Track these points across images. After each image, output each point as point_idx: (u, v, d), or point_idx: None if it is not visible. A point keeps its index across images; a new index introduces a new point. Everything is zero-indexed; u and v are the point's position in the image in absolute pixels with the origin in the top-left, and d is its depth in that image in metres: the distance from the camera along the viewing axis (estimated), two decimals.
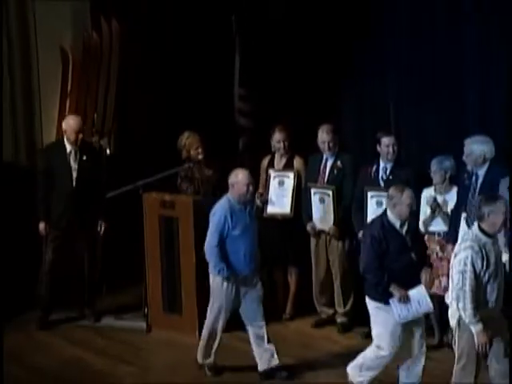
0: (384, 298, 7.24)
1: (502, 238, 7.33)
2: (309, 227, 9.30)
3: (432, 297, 8.45)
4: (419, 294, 7.31)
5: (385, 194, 8.53)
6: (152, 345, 9.06)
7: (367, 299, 7.43)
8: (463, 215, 8.38)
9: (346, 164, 9.17)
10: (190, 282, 9.12)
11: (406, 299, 7.22)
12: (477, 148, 8.35)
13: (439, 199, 8.64)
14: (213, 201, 9.20)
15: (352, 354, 8.39)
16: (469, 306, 6.67)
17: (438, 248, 8.64)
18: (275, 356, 8.13)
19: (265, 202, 9.48)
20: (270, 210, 9.52)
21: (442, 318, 8.66)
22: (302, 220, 9.37)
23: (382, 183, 8.92)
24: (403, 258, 7.23)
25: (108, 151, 10.43)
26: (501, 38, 9.00)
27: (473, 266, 6.65)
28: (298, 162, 9.50)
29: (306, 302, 9.55)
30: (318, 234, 9.31)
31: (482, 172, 8.39)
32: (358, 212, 8.95)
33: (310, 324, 9.45)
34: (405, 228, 7.28)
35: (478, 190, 8.36)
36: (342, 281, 9.25)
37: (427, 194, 8.71)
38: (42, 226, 9.24)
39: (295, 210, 9.42)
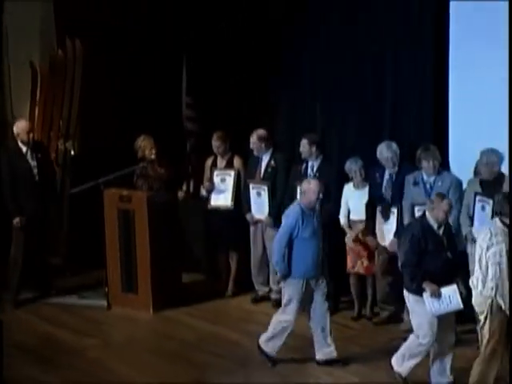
0: (420, 292, 7.03)
1: None
2: (248, 217, 9.41)
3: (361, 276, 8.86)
4: (451, 292, 7.03)
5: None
6: (112, 320, 9.05)
7: (406, 293, 7.20)
8: (378, 208, 8.54)
9: (278, 162, 9.26)
10: (144, 266, 9.16)
11: (437, 295, 6.98)
12: (384, 152, 8.46)
13: (359, 193, 8.77)
14: (164, 196, 9.44)
15: None
16: (507, 293, 6.62)
17: (360, 234, 8.76)
18: (333, 349, 7.83)
19: (209, 191, 9.53)
20: (214, 202, 9.56)
21: (362, 292, 8.94)
22: (242, 211, 9.47)
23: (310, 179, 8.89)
24: (440, 257, 7.02)
25: (72, 152, 10.42)
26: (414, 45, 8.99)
27: (507, 257, 6.62)
28: (237, 162, 9.56)
29: (245, 281, 9.65)
30: (256, 223, 9.41)
31: (393, 171, 8.52)
32: (290, 203, 8.70)
33: (248, 300, 9.54)
34: (442, 230, 7.07)
35: (393, 185, 8.49)
36: None
37: (347, 188, 8.84)
38: (17, 220, 9.21)
39: (235, 202, 9.49)
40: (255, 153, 9.34)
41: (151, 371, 7.77)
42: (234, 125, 9.86)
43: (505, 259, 6.61)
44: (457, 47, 8.71)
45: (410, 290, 7.13)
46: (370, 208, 8.63)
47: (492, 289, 6.66)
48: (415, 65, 8.96)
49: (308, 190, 7.59)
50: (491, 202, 7.78)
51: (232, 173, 9.53)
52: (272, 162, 9.30)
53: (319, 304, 7.76)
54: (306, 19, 9.60)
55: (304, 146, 9.00)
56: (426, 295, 7.00)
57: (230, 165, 9.59)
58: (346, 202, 8.84)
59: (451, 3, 8.66)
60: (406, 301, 7.25)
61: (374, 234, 8.67)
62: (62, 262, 10.19)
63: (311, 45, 9.71)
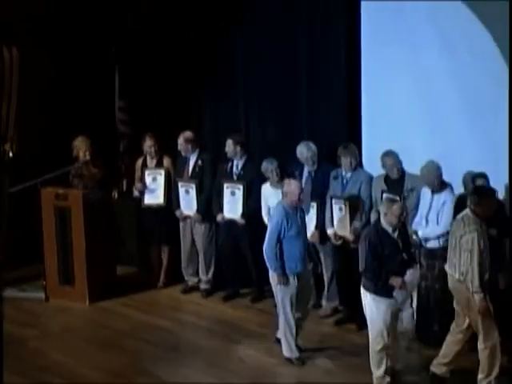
0: (382, 291, 6.85)
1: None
2: (177, 213, 9.41)
3: None
4: (411, 276, 6.91)
5: (237, 185, 8.92)
6: (50, 311, 8.99)
7: (364, 291, 6.98)
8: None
9: (205, 162, 9.27)
10: (80, 259, 9.11)
11: (404, 286, 6.87)
12: (305, 152, 8.52)
13: (277, 192, 8.62)
14: (99, 194, 9.39)
15: (214, 314, 8.86)
16: (476, 278, 6.64)
17: None
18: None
19: (141, 192, 9.50)
20: (147, 200, 9.53)
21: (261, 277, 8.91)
22: (172, 208, 9.44)
23: (235, 177, 9.04)
24: (396, 258, 6.88)
25: (11, 154, 10.30)
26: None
27: (478, 245, 6.67)
28: (166, 161, 9.52)
29: (175, 272, 9.66)
30: (185, 218, 9.41)
31: (313, 169, 8.59)
32: (217, 200, 9.11)
33: (179, 290, 9.54)
34: (396, 233, 6.91)
35: (312, 181, 8.53)
36: (204, 255, 9.39)
37: (265, 188, 8.80)
38: None
39: (167, 200, 9.46)
40: (183, 153, 9.34)
41: (87, 359, 7.75)
42: (163, 126, 9.83)
43: (476, 246, 6.66)
44: (368, 49, 8.80)
45: (370, 291, 6.94)
46: None
47: (462, 274, 6.75)
48: (329, 67, 9.03)
49: (289, 191, 7.43)
50: (398, 198, 7.89)
51: (162, 172, 9.50)
52: (199, 162, 9.30)
53: (305, 294, 7.69)
54: (232, 22, 9.64)
55: (229, 145, 9.04)
56: (396, 291, 6.86)
57: (160, 164, 9.55)
58: (265, 201, 8.83)
59: (362, 3, 8.72)
60: (363, 300, 7.03)
61: None
62: (2, 257, 10.03)
63: (236, 47, 9.73)
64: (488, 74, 7.89)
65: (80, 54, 10.43)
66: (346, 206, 8.20)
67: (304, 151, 8.56)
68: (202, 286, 9.48)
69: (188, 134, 9.29)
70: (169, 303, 9.24)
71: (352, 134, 8.91)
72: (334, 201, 8.30)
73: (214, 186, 9.18)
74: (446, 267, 6.96)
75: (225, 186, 9.06)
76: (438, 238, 7.67)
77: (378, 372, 6.95)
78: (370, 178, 8.33)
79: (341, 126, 9.02)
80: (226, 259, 9.29)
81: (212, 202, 9.20)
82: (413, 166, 7.98)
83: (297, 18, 9.19)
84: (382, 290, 6.84)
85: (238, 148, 9.02)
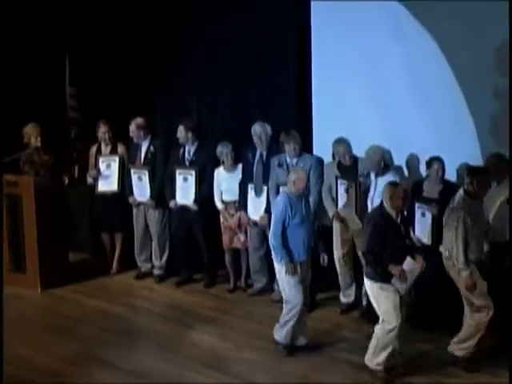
0: (384, 278, 6.83)
1: None
2: (130, 200, 9.44)
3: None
4: (410, 264, 6.86)
5: (189, 171, 8.98)
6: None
7: (369, 282, 6.96)
8: (250, 186, 8.68)
9: (157, 148, 9.31)
10: (32, 246, 9.11)
11: (403, 274, 6.83)
12: (258, 130, 8.59)
13: (230, 175, 8.90)
14: (49, 180, 9.38)
15: (168, 300, 8.94)
16: (461, 255, 6.81)
17: (234, 211, 8.88)
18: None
19: (95, 179, 9.52)
20: (101, 187, 9.54)
21: (236, 266, 9.12)
22: (125, 195, 9.47)
23: (187, 163, 9.09)
24: (398, 244, 6.85)
25: None
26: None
27: (464, 223, 6.79)
28: (120, 148, 9.55)
29: (129, 259, 9.69)
30: (138, 205, 9.45)
31: (266, 152, 8.64)
32: (169, 186, 9.15)
33: (132, 277, 9.59)
34: (399, 218, 6.90)
35: (264, 164, 8.61)
36: (157, 241, 9.44)
37: (218, 172, 8.93)
38: None
39: (121, 186, 9.48)
40: (135, 140, 9.38)
41: (41, 346, 7.77)
42: (115, 113, 9.81)
43: (461, 224, 6.79)
44: (319, 35, 8.88)
45: (373, 278, 6.92)
46: (243, 186, 8.79)
47: (448, 251, 6.92)
48: (279, 54, 9.09)
49: (297, 179, 7.36)
50: (353, 185, 8.09)
51: (117, 159, 9.52)
52: (151, 148, 9.34)
53: (304, 283, 7.56)
54: (185, 11, 9.65)
55: (181, 131, 9.09)
56: (395, 278, 6.84)
57: (114, 151, 9.57)
58: (218, 185, 8.96)
59: None
60: (368, 290, 7.04)
61: (246, 211, 8.81)
62: None
63: (188, 34, 9.73)
64: (436, 58, 8.03)
65: (30, 41, 10.36)
66: None
67: (257, 130, 8.64)
68: (156, 271, 9.55)
69: (139, 120, 9.33)
70: (122, 289, 9.28)
71: (302, 122, 9.01)
72: (281, 188, 8.29)
73: (167, 172, 9.23)
74: (440, 248, 7.11)
75: (177, 172, 9.11)
76: None
77: (379, 357, 6.93)
78: (320, 161, 8.44)
79: (291, 114, 9.10)
80: (179, 245, 9.35)
81: (165, 188, 9.25)
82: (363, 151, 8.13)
83: (247, 4, 9.26)
84: (385, 277, 6.82)
85: (190, 134, 9.07)
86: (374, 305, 6.99)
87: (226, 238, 9.06)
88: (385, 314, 6.90)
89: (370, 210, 7.82)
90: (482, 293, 6.94)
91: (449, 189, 7.54)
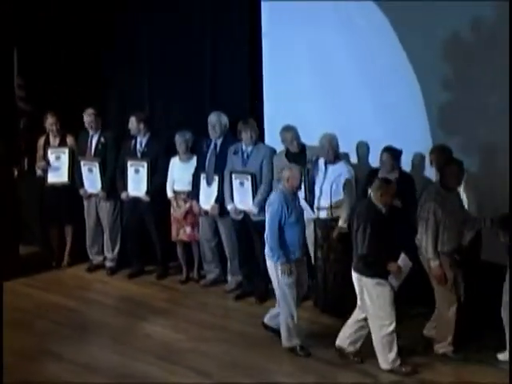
0: (382, 274, 6.82)
1: None
2: (81, 192, 9.41)
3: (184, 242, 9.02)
4: (403, 260, 6.87)
5: (141, 162, 8.99)
6: None
7: (362, 278, 6.89)
8: (203, 175, 8.72)
9: (108, 139, 9.31)
10: None
11: (400, 271, 6.84)
12: (213, 119, 8.63)
13: (184, 165, 8.94)
14: None
15: (120, 292, 8.95)
16: (430, 246, 6.90)
17: (182, 203, 8.92)
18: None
19: (44, 171, 9.48)
20: (51, 179, 9.52)
21: (188, 257, 9.14)
22: (76, 186, 9.44)
23: (139, 154, 9.10)
24: (390, 238, 6.81)
25: None
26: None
27: (434, 214, 6.88)
28: (70, 140, 9.52)
29: (80, 251, 9.68)
30: (89, 197, 9.43)
31: (220, 141, 8.71)
32: (121, 178, 9.16)
33: (84, 269, 9.58)
34: (388, 213, 6.88)
35: (217, 154, 8.67)
36: (109, 233, 9.44)
37: (173, 162, 8.96)
38: None
39: (71, 178, 9.46)
40: (90, 130, 9.33)
41: None
42: (65, 104, 9.75)
43: (431, 216, 6.86)
44: (270, 26, 8.94)
45: (368, 275, 6.86)
46: (196, 176, 8.82)
47: (419, 241, 7.01)
48: (231, 45, 9.15)
49: (291, 176, 7.28)
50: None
51: (66, 150, 9.49)
52: (102, 140, 9.33)
53: (301, 280, 7.51)
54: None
55: (132, 123, 9.10)
56: (391, 276, 6.84)
57: (63, 143, 9.53)
58: (171, 174, 8.99)
59: None
60: (357, 286, 6.97)
61: (198, 200, 8.83)
62: None
63: (141, 24, 9.73)
64: (386, 48, 8.13)
65: None
66: (248, 180, 8.36)
67: (213, 119, 8.68)
68: (108, 263, 9.55)
69: (91, 110, 9.30)
70: (74, 282, 9.27)
71: (254, 111, 9.06)
72: (234, 176, 8.46)
73: (118, 164, 9.22)
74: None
75: (129, 163, 9.11)
76: (331, 208, 7.95)
77: (390, 355, 6.90)
78: (273, 152, 8.52)
79: (243, 103, 9.14)
80: (131, 237, 9.37)
81: (116, 180, 9.24)
82: (314, 140, 8.21)
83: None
84: (383, 272, 6.82)
85: (142, 125, 9.07)
86: (367, 302, 6.91)
87: (173, 230, 9.08)
88: (380, 311, 6.86)
89: (318, 197, 7.98)
90: (447, 289, 7.05)
91: (404, 178, 7.65)
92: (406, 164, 7.94)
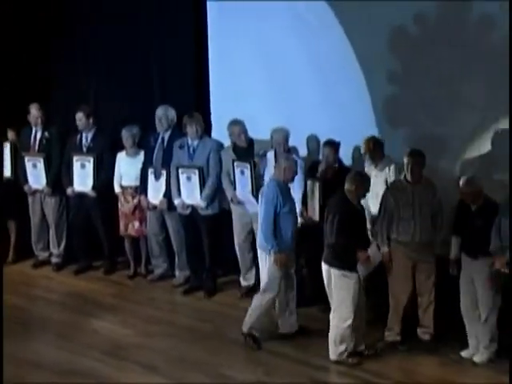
0: (350, 265, 6.84)
1: None
2: (26, 188, 9.30)
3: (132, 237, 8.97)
4: (373, 250, 7.00)
5: (87, 157, 8.90)
6: None
7: (330, 269, 6.90)
8: (150, 170, 8.67)
9: (52, 135, 9.20)
10: None
11: (369, 260, 6.90)
12: (160, 113, 8.60)
13: (131, 160, 8.87)
14: None
15: (66, 288, 8.86)
16: (379, 232, 7.10)
17: (130, 198, 8.87)
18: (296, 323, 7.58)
19: None
20: None
21: (136, 252, 9.10)
22: (19, 182, 9.31)
23: (84, 149, 9.01)
24: (361, 231, 6.92)
25: None
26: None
27: (385, 203, 7.07)
28: (11, 134, 9.40)
29: (25, 247, 9.56)
30: (34, 192, 9.32)
31: (167, 135, 8.67)
32: (66, 173, 9.05)
33: (29, 266, 9.47)
34: (360, 206, 6.97)
35: (164, 148, 8.62)
36: (55, 228, 9.34)
37: (120, 156, 8.89)
38: None
39: (14, 174, 9.33)
40: (35, 125, 9.21)
41: None
42: (6, 99, 9.52)
43: (383, 205, 7.08)
44: (216, 21, 8.94)
45: (335, 266, 6.89)
46: (144, 171, 8.77)
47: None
48: (177, 38, 9.11)
49: (287, 167, 7.24)
50: (249, 166, 8.17)
51: (8, 145, 9.36)
52: (46, 135, 9.22)
53: (290, 276, 7.51)
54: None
55: (80, 118, 9.00)
56: (359, 263, 6.89)
57: (3, 137, 9.40)
58: (118, 169, 8.93)
59: None
60: (326, 277, 6.97)
61: (146, 195, 8.77)
62: None
63: (84, 19, 9.64)
64: (333, 43, 8.18)
65: None
66: (195, 174, 8.34)
67: (159, 113, 8.66)
68: (54, 259, 9.45)
69: (37, 106, 9.19)
70: (19, 278, 9.15)
71: (201, 106, 9.05)
72: (181, 170, 8.43)
73: (64, 159, 9.12)
74: None
75: (74, 158, 9.02)
76: None
77: (340, 347, 6.93)
78: (219, 145, 8.51)
79: (189, 98, 9.12)
80: (77, 232, 9.28)
81: (62, 176, 9.14)
82: (261, 133, 8.23)
83: None
84: (350, 264, 6.85)
85: (87, 120, 8.98)
86: (332, 293, 6.95)
87: (121, 225, 9.02)
88: (342, 303, 6.89)
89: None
90: (399, 277, 7.15)
91: (341, 171, 7.66)
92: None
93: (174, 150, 8.54)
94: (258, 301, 7.34)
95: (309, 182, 7.83)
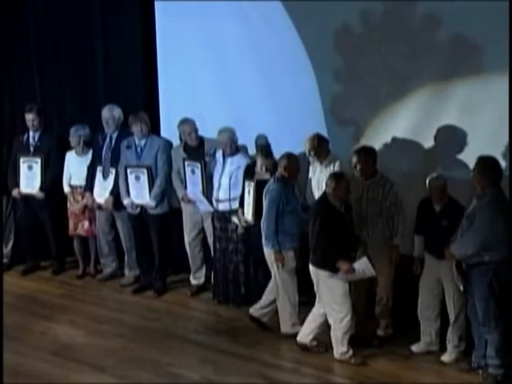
0: (333, 268, 6.77)
1: None
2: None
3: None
4: (363, 264, 6.81)
5: (34, 159, 8.80)
6: None
7: (317, 271, 6.88)
8: (99, 168, 8.60)
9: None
10: None
11: (351, 271, 6.77)
12: (106, 114, 8.54)
13: (80, 160, 8.77)
14: None
15: (14, 289, 8.63)
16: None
17: (80, 198, 8.79)
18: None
19: None
20: None
21: (85, 251, 9.00)
22: None
23: (31, 149, 8.87)
24: (345, 234, 6.81)
25: None
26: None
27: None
28: None
29: None
30: None
31: (115, 135, 8.59)
32: (13, 175, 8.92)
33: None
34: (343, 208, 6.87)
35: (112, 147, 8.55)
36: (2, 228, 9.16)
37: (69, 155, 8.81)
38: None
39: None
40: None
41: None
42: None
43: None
44: (164, 20, 8.86)
45: (321, 267, 6.86)
46: (91, 169, 8.69)
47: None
48: (124, 37, 9.05)
49: (289, 164, 7.19)
50: (199, 165, 8.14)
51: None
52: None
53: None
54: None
55: (29, 118, 8.85)
56: (341, 273, 6.78)
57: None
58: (68, 169, 8.85)
59: None
60: (315, 279, 6.95)
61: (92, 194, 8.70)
62: None
63: (29, 20, 9.53)
64: (282, 40, 8.15)
65: None
66: (144, 173, 8.27)
67: (105, 113, 8.58)
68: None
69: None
70: None
71: (150, 105, 8.98)
72: (129, 170, 8.35)
73: (10, 160, 8.99)
74: None
75: (21, 160, 8.90)
76: (230, 201, 7.93)
77: (341, 348, 6.91)
78: (168, 144, 8.45)
79: (138, 97, 9.05)
80: (24, 233, 9.17)
81: (8, 177, 9.00)
82: (212, 132, 8.19)
83: None
84: (334, 266, 6.78)
85: (34, 120, 8.86)
86: (322, 294, 6.93)
87: (71, 224, 8.94)
88: (334, 303, 6.86)
89: (217, 190, 7.95)
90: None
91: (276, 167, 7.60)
92: None
93: (121, 149, 8.46)
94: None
95: (246, 183, 7.78)
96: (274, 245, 7.21)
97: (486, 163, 6.39)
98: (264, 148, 7.85)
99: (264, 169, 7.66)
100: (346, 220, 6.89)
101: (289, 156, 7.31)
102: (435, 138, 7.40)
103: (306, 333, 7.12)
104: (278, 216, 7.20)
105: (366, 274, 6.86)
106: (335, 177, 6.87)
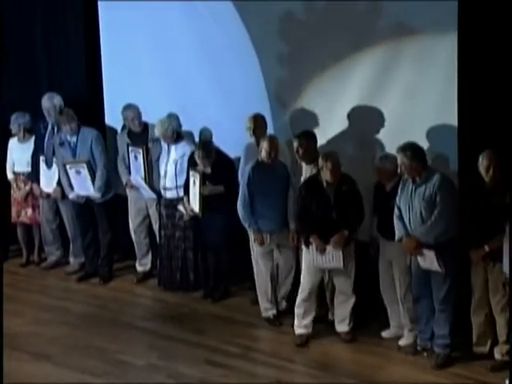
0: (306, 244, 6.80)
1: None
2: None
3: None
4: (336, 253, 6.74)
5: None
6: None
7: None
8: (42, 158, 8.47)
9: None
10: None
11: (322, 250, 6.73)
12: (46, 103, 8.41)
13: (23, 146, 8.62)
14: None
15: None
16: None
17: (22, 185, 8.66)
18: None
19: None
20: None
21: (29, 239, 8.85)
22: None
23: None
24: (323, 215, 6.69)
25: None
26: None
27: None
28: None
29: None
30: None
31: (55, 123, 8.40)
32: None
33: None
34: (332, 189, 6.72)
35: (54, 137, 8.36)
36: None
37: (12, 142, 8.69)
38: None
39: None
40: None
41: None
42: None
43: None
44: (107, 9, 8.75)
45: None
46: (35, 158, 8.55)
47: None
48: (67, 29, 8.95)
49: (264, 147, 7.09)
50: (141, 151, 8.07)
51: None
52: None
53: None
54: None
55: None
56: (312, 248, 6.78)
57: None
58: (11, 156, 8.71)
59: None
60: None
61: (39, 183, 8.57)
62: None
63: None
64: (227, 26, 8.10)
65: None
66: (84, 168, 8.16)
67: (45, 103, 8.45)
68: None
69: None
70: None
71: (93, 92, 8.88)
72: (68, 166, 8.22)
73: None
74: None
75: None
76: (177, 188, 7.85)
77: (296, 321, 6.97)
78: (100, 134, 8.33)
79: (81, 86, 8.95)
80: None
81: None
82: (156, 118, 8.03)
83: None
84: (306, 241, 6.80)
85: None
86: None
87: (13, 212, 8.79)
88: (302, 276, 6.91)
89: (163, 177, 7.87)
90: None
91: (220, 158, 7.61)
92: None
93: (54, 146, 8.33)
94: None
95: (191, 173, 7.68)
96: (250, 225, 7.19)
97: (414, 148, 6.38)
98: (206, 144, 7.69)
99: (203, 165, 7.58)
100: (330, 202, 6.75)
101: (268, 138, 7.22)
102: (378, 121, 7.39)
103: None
104: (254, 198, 7.13)
105: (333, 263, 6.79)
106: (322, 156, 6.80)
